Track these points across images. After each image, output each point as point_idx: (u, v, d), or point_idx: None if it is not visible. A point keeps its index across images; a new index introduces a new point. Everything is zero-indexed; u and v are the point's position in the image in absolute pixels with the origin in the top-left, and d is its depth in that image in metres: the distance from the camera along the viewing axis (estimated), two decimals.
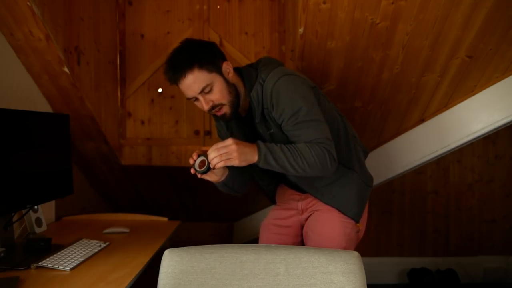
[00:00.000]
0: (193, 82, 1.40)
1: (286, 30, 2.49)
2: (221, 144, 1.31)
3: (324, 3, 1.81)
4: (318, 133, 1.38)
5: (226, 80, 1.45)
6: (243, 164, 1.32)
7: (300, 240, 1.70)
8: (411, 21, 1.89)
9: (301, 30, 1.93)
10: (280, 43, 2.53)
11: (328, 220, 1.56)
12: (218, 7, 2.54)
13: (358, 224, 1.62)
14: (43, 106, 2.10)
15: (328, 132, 1.42)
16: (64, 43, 1.87)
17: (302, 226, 1.69)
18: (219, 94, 1.43)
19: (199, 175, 1.39)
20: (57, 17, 1.82)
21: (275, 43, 2.53)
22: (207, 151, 1.35)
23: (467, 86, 2.23)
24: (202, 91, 1.41)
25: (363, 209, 1.65)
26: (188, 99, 1.47)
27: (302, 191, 1.64)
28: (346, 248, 1.51)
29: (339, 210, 1.57)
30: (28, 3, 1.59)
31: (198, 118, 2.59)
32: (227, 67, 1.47)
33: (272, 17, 2.53)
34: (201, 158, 1.37)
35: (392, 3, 1.80)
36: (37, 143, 1.75)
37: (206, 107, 1.44)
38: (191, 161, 1.38)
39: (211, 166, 1.33)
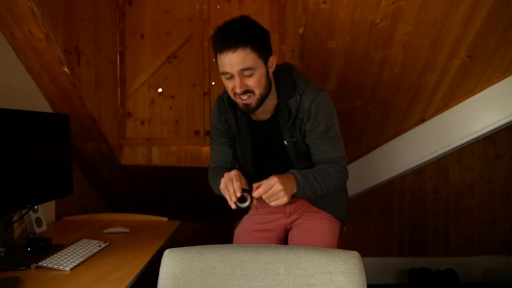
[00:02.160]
0: (241, 59, 1.33)
1: (286, 30, 2.49)
2: (270, 192, 1.29)
3: (324, 3, 1.81)
4: (340, 152, 1.51)
5: (267, 73, 1.41)
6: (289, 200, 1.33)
7: (282, 244, 1.70)
8: (411, 21, 1.89)
9: (301, 30, 1.93)
10: (280, 43, 2.52)
11: (320, 220, 1.62)
12: (218, 7, 2.54)
13: (344, 227, 1.71)
14: (43, 106, 2.10)
15: (344, 150, 1.53)
16: (64, 43, 1.87)
17: (285, 230, 1.69)
18: (256, 82, 1.37)
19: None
20: (57, 17, 1.82)
21: (275, 43, 2.53)
22: (247, 189, 1.34)
23: (467, 86, 2.23)
24: (242, 70, 1.35)
25: (347, 214, 1.75)
26: (222, 73, 1.38)
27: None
28: (332, 246, 1.57)
29: (331, 214, 1.64)
30: (28, 3, 1.59)
31: (198, 118, 2.59)
32: (272, 61, 1.43)
33: (272, 17, 2.53)
34: (243, 193, 1.32)
35: (392, 3, 1.80)
36: (37, 143, 1.75)
37: (239, 90, 1.37)
38: (233, 199, 1.33)
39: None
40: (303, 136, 1.49)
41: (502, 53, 2.05)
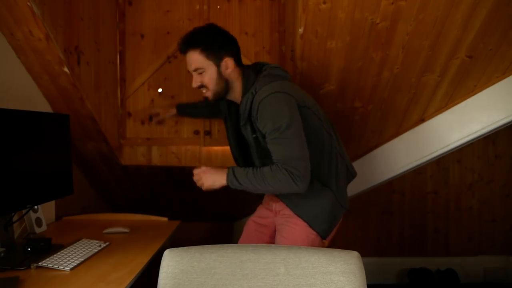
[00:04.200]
0: (191, 60, 1.60)
1: (286, 30, 2.49)
2: (195, 171, 1.61)
3: (324, 3, 1.81)
4: (287, 153, 1.47)
5: (219, 73, 1.60)
6: (210, 189, 1.58)
7: (275, 242, 1.75)
8: (411, 21, 1.89)
9: (301, 30, 1.93)
10: (280, 43, 2.52)
11: (294, 225, 1.63)
12: (218, 7, 2.54)
13: (324, 241, 1.65)
14: (43, 106, 2.10)
15: (301, 152, 1.48)
16: (64, 43, 1.87)
17: (275, 229, 1.75)
18: (208, 80, 1.61)
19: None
20: (57, 17, 1.82)
21: (275, 43, 2.53)
22: None
23: (467, 86, 2.23)
24: (195, 70, 1.61)
25: (333, 227, 1.68)
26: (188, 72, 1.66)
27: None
28: None
29: (307, 224, 1.61)
30: (28, 3, 1.59)
31: (198, 118, 2.58)
32: (227, 63, 1.60)
33: (272, 17, 2.53)
34: None
35: (392, 3, 1.80)
36: (37, 143, 1.75)
37: (194, 85, 1.63)
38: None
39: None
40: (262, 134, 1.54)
41: (502, 53, 2.05)
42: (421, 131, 2.41)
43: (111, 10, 2.48)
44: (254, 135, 1.58)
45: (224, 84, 1.62)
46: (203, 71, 1.59)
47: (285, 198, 1.64)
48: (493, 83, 2.20)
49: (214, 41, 1.58)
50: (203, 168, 1.60)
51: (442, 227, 3.31)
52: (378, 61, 2.08)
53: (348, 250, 1.10)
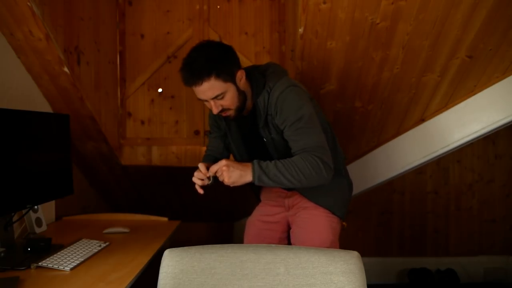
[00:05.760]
0: (208, 89, 1.44)
1: (286, 30, 2.49)
2: (215, 167, 1.42)
3: (324, 3, 1.81)
4: (314, 141, 1.47)
5: (238, 89, 1.50)
6: (234, 184, 1.41)
7: (286, 236, 1.78)
8: (411, 21, 1.89)
9: (301, 30, 1.93)
10: (280, 43, 2.53)
11: (315, 216, 1.65)
12: (218, 7, 2.54)
13: (344, 223, 1.72)
14: (43, 106, 2.10)
15: (324, 140, 1.51)
16: (64, 43, 1.87)
17: (288, 223, 1.77)
18: (229, 101, 1.49)
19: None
20: (57, 17, 1.82)
21: (275, 43, 2.53)
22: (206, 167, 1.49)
23: (467, 86, 2.23)
24: (215, 98, 1.47)
25: (347, 210, 1.75)
26: (199, 99, 1.52)
27: (288, 188, 1.70)
28: (333, 240, 1.61)
29: (327, 209, 1.65)
30: (28, 3, 1.59)
31: (198, 118, 2.59)
32: (241, 75, 1.51)
33: (272, 17, 2.53)
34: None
35: (392, 3, 1.80)
36: (37, 143, 1.75)
37: (215, 111, 1.50)
38: (203, 177, 1.48)
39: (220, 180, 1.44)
40: (279, 131, 1.53)
41: (502, 53, 2.05)
42: (421, 131, 2.41)
43: (111, 10, 2.48)
44: (271, 135, 1.56)
45: (243, 97, 1.53)
46: (224, 95, 1.46)
47: (303, 190, 1.65)
48: (493, 83, 2.20)
49: (221, 59, 1.45)
50: (225, 161, 1.41)
51: (442, 227, 3.31)
52: (378, 61, 2.08)
53: (348, 250, 1.11)
